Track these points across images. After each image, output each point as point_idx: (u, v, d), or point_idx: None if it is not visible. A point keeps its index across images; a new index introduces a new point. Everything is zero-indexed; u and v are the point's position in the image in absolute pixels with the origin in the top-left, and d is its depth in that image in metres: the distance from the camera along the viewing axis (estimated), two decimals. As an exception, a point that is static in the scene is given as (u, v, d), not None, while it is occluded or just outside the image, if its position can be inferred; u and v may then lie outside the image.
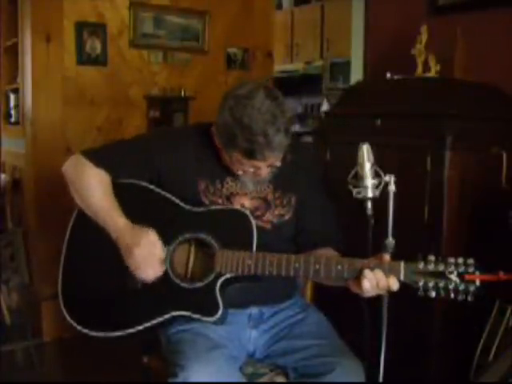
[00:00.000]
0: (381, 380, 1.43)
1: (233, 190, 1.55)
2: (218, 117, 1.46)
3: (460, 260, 1.25)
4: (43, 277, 2.92)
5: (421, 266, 1.27)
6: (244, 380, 1.46)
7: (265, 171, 1.48)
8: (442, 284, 1.24)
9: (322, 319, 1.62)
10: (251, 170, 1.47)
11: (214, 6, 3.43)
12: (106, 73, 3.11)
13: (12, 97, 3.25)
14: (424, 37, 2.27)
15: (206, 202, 1.54)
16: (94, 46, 3.04)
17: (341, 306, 1.64)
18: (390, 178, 1.40)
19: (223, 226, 1.48)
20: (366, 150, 1.39)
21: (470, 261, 1.25)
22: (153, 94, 3.29)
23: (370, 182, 1.39)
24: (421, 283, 1.26)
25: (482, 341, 1.82)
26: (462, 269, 1.24)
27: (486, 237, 1.98)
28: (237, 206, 1.53)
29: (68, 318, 1.52)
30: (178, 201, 1.52)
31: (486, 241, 1.97)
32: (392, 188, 1.39)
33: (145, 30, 3.22)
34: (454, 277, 1.24)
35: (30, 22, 2.86)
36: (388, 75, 2.29)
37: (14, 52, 3.12)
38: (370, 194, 1.39)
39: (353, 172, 1.42)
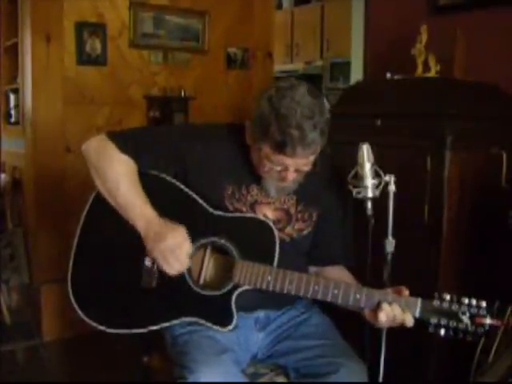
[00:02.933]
0: (381, 380, 1.43)
1: (257, 198, 1.51)
2: (255, 109, 1.40)
3: (473, 301, 1.28)
4: (43, 277, 2.92)
5: (436, 304, 1.29)
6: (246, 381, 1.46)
7: (291, 175, 1.40)
8: (453, 324, 1.27)
9: (326, 320, 1.61)
10: (278, 168, 1.40)
11: (214, 6, 3.43)
12: (105, 73, 3.11)
13: (12, 97, 3.25)
14: (424, 37, 2.27)
15: (230, 208, 1.49)
16: (94, 46, 3.04)
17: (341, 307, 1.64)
18: (390, 178, 1.40)
19: (245, 235, 1.44)
20: (366, 150, 1.40)
21: (483, 304, 1.28)
22: (153, 94, 3.29)
23: (370, 181, 1.40)
24: (434, 321, 1.29)
25: (481, 341, 1.81)
26: (474, 311, 1.27)
27: (485, 237, 1.98)
28: (260, 216, 1.49)
29: (80, 313, 1.48)
30: (201, 201, 1.48)
31: (485, 241, 1.97)
32: (392, 188, 1.39)
33: (145, 29, 3.22)
34: (465, 318, 1.27)
35: (30, 22, 2.85)
36: (388, 75, 2.28)
37: (14, 52, 3.12)
38: (370, 194, 1.40)
39: (353, 172, 1.42)
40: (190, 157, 1.50)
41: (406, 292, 1.33)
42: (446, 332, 1.28)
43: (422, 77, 2.25)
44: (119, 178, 1.47)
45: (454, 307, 1.27)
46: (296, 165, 1.38)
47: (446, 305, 1.28)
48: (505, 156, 2.02)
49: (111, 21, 3.10)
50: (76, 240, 1.54)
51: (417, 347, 1.98)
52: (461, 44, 2.26)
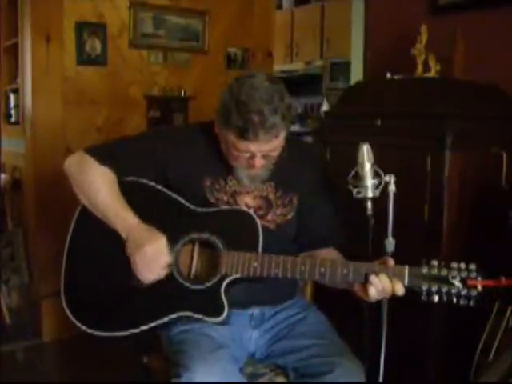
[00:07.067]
0: (381, 380, 1.43)
1: (236, 188, 1.54)
2: (219, 100, 1.44)
3: (462, 265, 1.27)
4: (43, 277, 2.92)
5: (424, 270, 1.29)
6: (245, 380, 1.46)
7: (258, 162, 1.44)
8: (444, 289, 1.26)
9: (323, 319, 1.61)
10: (245, 155, 1.43)
11: (214, 5, 3.43)
12: (105, 73, 3.11)
13: (12, 97, 3.24)
14: (424, 37, 2.27)
15: (211, 199, 1.52)
16: (94, 45, 3.04)
17: (341, 306, 1.64)
18: (390, 178, 1.40)
19: (228, 227, 1.47)
20: (366, 150, 1.40)
21: (473, 266, 1.26)
22: (153, 93, 3.29)
23: (370, 181, 1.40)
24: (424, 288, 1.28)
25: (481, 341, 1.81)
26: (464, 274, 1.26)
27: (485, 237, 1.98)
28: (241, 205, 1.52)
29: (71, 318, 1.50)
30: (183, 200, 1.51)
31: (486, 241, 1.97)
32: (392, 188, 1.39)
33: (145, 30, 3.22)
34: (456, 282, 1.25)
35: (30, 22, 2.86)
36: (388, 75, 2.29)
37: (13, 52, 3.12)
38: (370, 194, 1.40)
39: (353, 172, 1.42)
40: (167, 159, 1.54)
41: (392, 262, 1.34)
42: (440, 298, 1.26)
43: (422, 77, 2.25)
44: (99, 187, 1.51)
45: (444, 272, 1.26)
46: (261, 150, 1.42)
47: (434, 271, 1.27)
48: (505, 156, 2.02)
49: (111, 21, 3.10)
50: (66, 250, 1.57)
51: (417, 347, 1.98)
52: (461, 44, 2.26)
